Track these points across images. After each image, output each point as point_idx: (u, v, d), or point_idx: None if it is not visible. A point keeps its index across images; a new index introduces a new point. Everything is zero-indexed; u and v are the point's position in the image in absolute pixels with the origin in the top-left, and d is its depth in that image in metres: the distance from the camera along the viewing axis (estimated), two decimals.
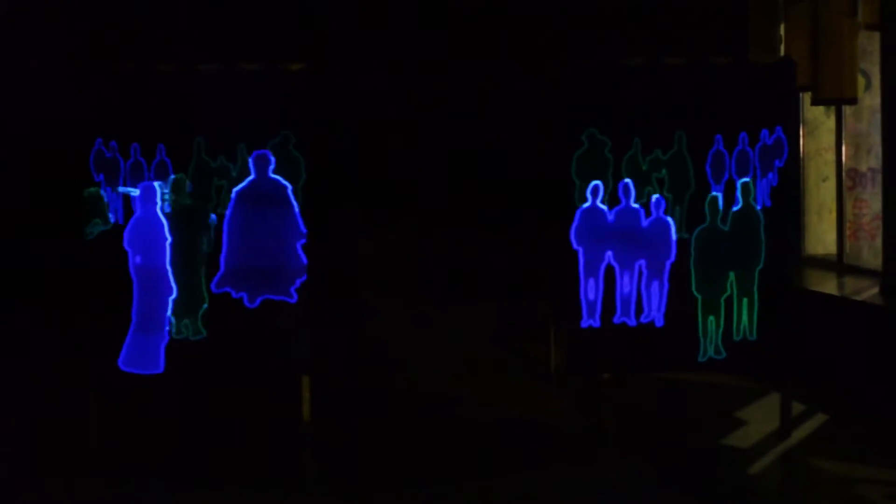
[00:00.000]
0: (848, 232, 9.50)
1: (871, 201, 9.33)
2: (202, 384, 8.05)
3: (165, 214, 7.23)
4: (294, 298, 7.37)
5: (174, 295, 7.23)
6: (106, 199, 7.36)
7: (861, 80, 9.10)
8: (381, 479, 6.84)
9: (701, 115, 7.41)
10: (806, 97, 9.60)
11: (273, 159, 7.33)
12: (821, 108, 9.88)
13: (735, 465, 7.01)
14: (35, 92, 9.64)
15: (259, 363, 7.52)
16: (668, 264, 7.36)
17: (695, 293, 7.37)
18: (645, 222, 7.35)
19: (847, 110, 9.43)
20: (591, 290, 7.37)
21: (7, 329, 9.21)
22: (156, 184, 7.24)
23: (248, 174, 7.33)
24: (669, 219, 7.34)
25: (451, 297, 11.52)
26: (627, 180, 7.35)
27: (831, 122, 9.84)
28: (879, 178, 8.86)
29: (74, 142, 7.43)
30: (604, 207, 7.35)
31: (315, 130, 7.95)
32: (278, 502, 6.52)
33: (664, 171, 7.42)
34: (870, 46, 9.09)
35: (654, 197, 7.33)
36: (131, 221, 7.23)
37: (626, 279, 7.37)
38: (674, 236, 7.34)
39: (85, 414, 7.49)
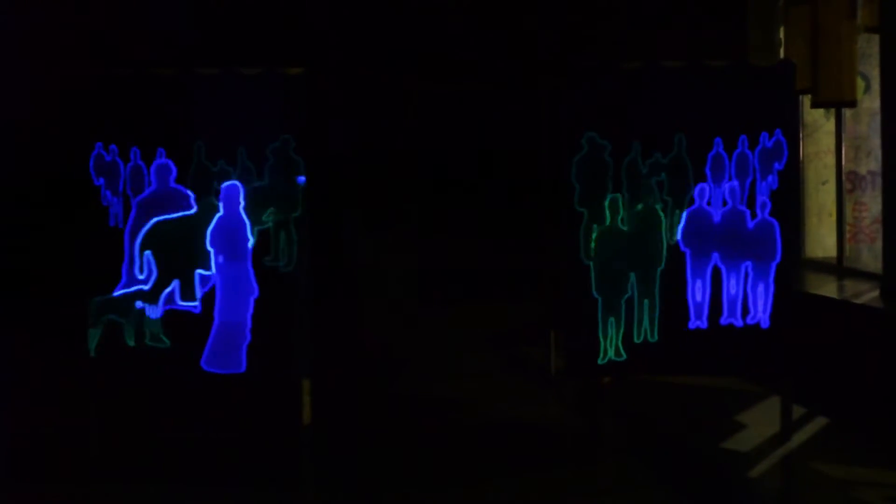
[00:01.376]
0: (848, 235, 9.50)
1: (871, 204, 9.32)
2: (201, 386, 8.03)
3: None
4: (199, 308, 7.31)
5: (256, 295, 7.23)
6: (105, 204, 7.35)
7: (860, 83, 9.09)
8: (381, 481, 6.84)
9: (700, 119, 7.40)
10: (805, 100, 9.59)
11: (175, 169, 7.30)
12: (820, 111, 9.88)
13: (735, 468, 7.00)
14: (35, 95, 9.65)
15: (259, 366, 7.52)
16: (773, 266, 7.35)
17: (594, 294, 7.39)
18: (751, 224, 7.35)
19: (847, 113, 9.43)
20: (698, 291, 7.38)
21: (7, 329, 9.21)
22: (238, 183, 7.26)
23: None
24: (775, 221, 7.34)
25: (450, 300, 11.51)
26: (734, 182, 7.35)
27: (831, 125, 9.84)
28: (879, 180, 8.85)
29: (74, 145, 7.42)
30: (710, 209, 7.36)
31: (314, 134, 7.95)
32: None
33: (664, 174, 7.42)
34: (869, 49, 9.09)
35: (760, 199, 7.34)
36: (215, 221, 7.24)
37: (733, 281, 7.38)
38: (779, 238, 7.35)
39: (83, 417, 7.48)
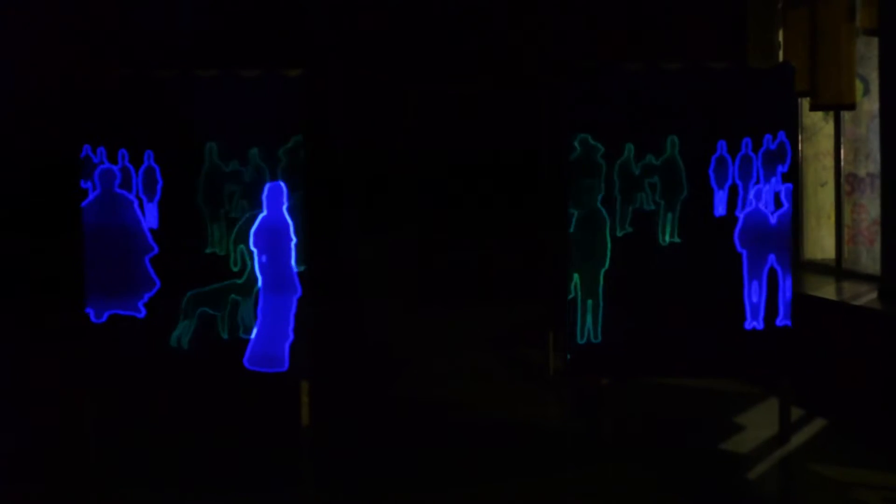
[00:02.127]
0: (846, 237, 9.50)
1: (870, 206, 9.33)
2: (200, 389, 8.03)
3: None
4: (143, 313, 7.32)
5: (299, 294, 7.27)
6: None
7: (859, 86, 9.10)
8: (381, 483, 6.84)
9: (698, 121, 7.40)
10: (804, 102, 9.60)
11: (119, 175, 7.29)
12: (819, 114, 9.88)
13: (734, 470, 7.01)
14: (32, 96, 9.65)
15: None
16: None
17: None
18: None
19: (845, 115, 9.44)
20: (754, 292, 7.40)
21: (6, 329, 9.21)
22: (282, 184, 7.29)
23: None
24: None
25: (449, 301, 11.51)
26: (790, 184, 7.39)
27: (830, 128, 9.84)
28: (878, 183, 8.86)
29: (69, 147, 7.41)
30: (766, 211, 7.37)
31: (314, 135, 7.94)
32: None
33: (656, 176, 7.43)
34: (868, 52, 9.10)
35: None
36: (258, 221, 7.29)
37: (788, 282, 7.42)
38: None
39: (82, 419, 7.48)
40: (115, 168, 7.30)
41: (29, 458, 7.42)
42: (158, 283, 7.33)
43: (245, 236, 7.34)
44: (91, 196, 7.32)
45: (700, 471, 7.03)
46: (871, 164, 9.30)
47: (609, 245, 7.43)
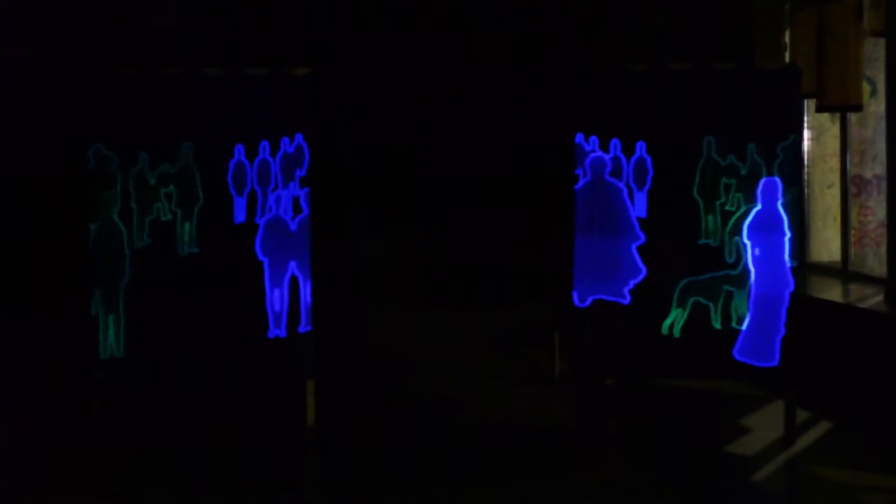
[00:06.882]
0: (853, 239, 9.48)
1: (877, 208, 9.30)
2: (207, 388, 8.02)
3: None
4: (627, 300, 7.42)
5: (791, 289, 7.37)
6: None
7: (866, 87, 9.08)
8: (385, 483, 6.82)
9: (699, 120, 7.40)
10: (811, 104, 9.58)
11: (610, 164, 7.40)
12: (826, 115, 9.86)
13: (739, 472, 6.99)
14: (34, 94, 9.64)
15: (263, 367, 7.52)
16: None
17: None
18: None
19: (852, 117, 9.41)
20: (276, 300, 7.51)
21: (6, 329, 9.20)
22: (778, 179, 7.38)
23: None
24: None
25: (454, 301, 11.50)
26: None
27: (836, 129, 9.82)
28: (884, 185, 8.83)
29: (73, 144, 7.41)
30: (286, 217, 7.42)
31: (319, 134, 7.93)
32: None
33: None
34: (875, 53, 9.07)
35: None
36: (752, 215, 7.39)
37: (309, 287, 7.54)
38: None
39: (86, 418, 7.47)
40: (606, 157, 7.37)
41: (28, 459, 7.42)
42: (644, 271, 7.40)
43: (740, 229, 7.39)
44: (581, 182, 7.41)
45: (704, 472, 7.01)
46: (877, 166, 9.28)
47: (128, 258, 7.34)
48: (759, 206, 7.40)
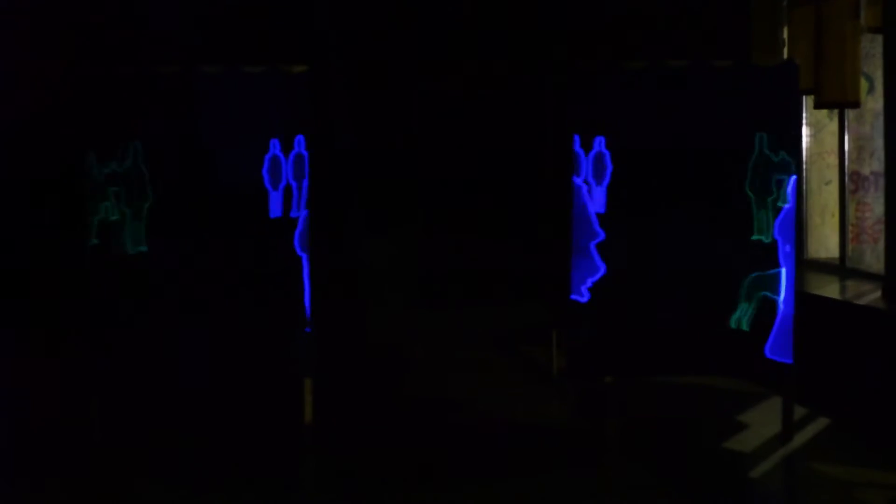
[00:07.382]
0: (850, 235, 9.48)
1: (874, 205, 9.31)
2: (203, 385, 8.03)
3: None
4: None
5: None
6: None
7: (864, 84, 9.08)
8: (383, 482, 6.83)
9: (699, 118, 7.40)
10: (809, 100, 9.58)
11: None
12: (823, 111, 9.86)
13: (737, 469, 7.00)
14: (34, 93, 9.65)
15: (260, 365, 7.53)
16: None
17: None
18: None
19: (850, 113, 9.41)
20: None
21: (6, 329, 9.21)
22: None
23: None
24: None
25: (452, 300, 11.51)
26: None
27: (834, 126, 9.82)
28: (882, 181, 8.84)
29: (73, 144, 7.42)
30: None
31: (317, 133, 7.94)
32: None
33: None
34: (873, 49, 9.07)
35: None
36: (782, 213, 7.41)
37: None
38: None
39: (85, 416, 7.49)
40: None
41: (28, 459, 7.44)
42: (603, 269, 7.38)
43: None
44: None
45: (702, 469, 7.02)
46: (875, 163, 9.28)
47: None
48: (787, 204, 7.40)
